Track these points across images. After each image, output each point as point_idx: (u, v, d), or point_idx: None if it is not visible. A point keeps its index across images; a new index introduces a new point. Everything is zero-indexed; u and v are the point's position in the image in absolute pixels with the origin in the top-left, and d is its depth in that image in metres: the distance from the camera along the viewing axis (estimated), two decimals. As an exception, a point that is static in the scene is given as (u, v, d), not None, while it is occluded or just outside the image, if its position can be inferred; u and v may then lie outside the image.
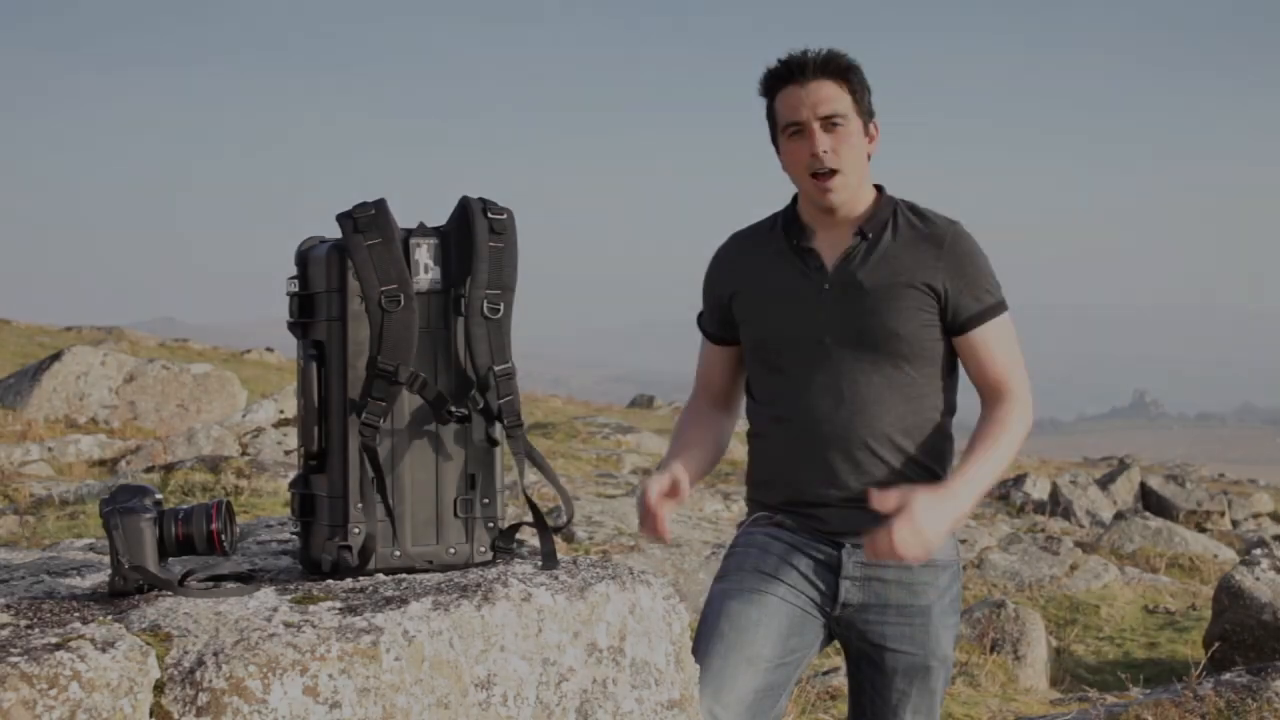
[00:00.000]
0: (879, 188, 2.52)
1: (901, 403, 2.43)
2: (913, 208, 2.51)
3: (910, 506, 2.25)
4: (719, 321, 2.60)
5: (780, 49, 2.47)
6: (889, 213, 2.48)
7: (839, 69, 2.40)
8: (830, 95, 2.39)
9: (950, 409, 2.52)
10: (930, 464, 2.47)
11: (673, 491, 2.46)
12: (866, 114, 2.45)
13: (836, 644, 2.58)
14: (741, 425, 2.67)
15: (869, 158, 2.48)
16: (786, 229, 2.52)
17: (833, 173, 2.40)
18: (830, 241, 2.48)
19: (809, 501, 2.48)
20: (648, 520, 2.44)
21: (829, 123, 2.39)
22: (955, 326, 2.45)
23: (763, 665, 2.38)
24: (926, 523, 2.24)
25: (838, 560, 2.46)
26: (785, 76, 2.42)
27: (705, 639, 2.40)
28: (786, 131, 2.43)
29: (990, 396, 2.46)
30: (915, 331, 2.42)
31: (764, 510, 2.56)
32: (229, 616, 1.76)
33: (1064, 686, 6.42)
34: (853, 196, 2.44)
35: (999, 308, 2.46)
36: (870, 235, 2.45)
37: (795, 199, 2.55)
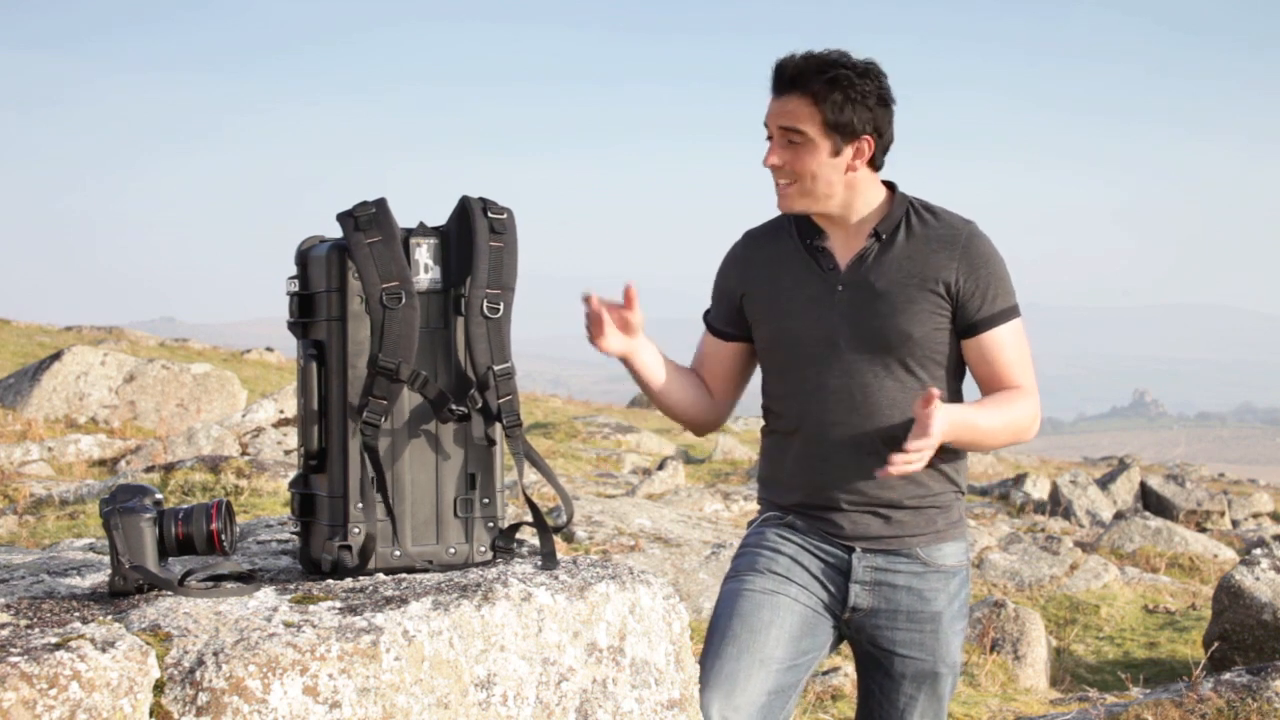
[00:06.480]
0: (891, 186, 2.48)
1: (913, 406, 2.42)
2: (926, 206, 2.47)
3: (924, 434, 2.24)
4: (725, 318, 2.58)
5: (788, 47, 2.44)
6: (902, 212, 2.45)
7: (811, 83, 2.33)
8: (792, 109, 2.35)
9: None
10: (942, 468, 2.45)
11: (624, 315, 2.44)
12: (844, 132, 2.35)
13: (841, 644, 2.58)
14: (754, 423, 2.65)
15: (874, 168, 2.42)
16: (799, 228, 2.51)
17: (788, 183, 2.39)
18: (844, 242, 2.46)
19: (820, 505, 2.47)
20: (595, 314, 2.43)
21: (787, 138, 2.37)
22: (966, 328, 2.42)
23: (774, 667, 2.37)
24: (931, 450, 2.24)
25: (848, 564, 2.45)
26: (771, 83, 2.41)
27: (716, 639, 2.38)
28: (766, 135, 2.43)
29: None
30: (928, 334, 2.40)
31: (775, 509, 2.55)
32: (229, 616, 1.76)
33: (1064, 686, 6.42)
34: (816, 206, 2.41)
35: (1011, 312, 2.43)
36: (884, 236, 2.43)
37: None
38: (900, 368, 2.41)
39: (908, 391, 2.42)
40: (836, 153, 2.37)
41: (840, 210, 2.43)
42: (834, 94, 2.33)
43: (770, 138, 2.41)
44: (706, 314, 2.64)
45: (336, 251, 2.01)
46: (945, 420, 2.26)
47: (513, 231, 2.09)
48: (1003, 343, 2.42)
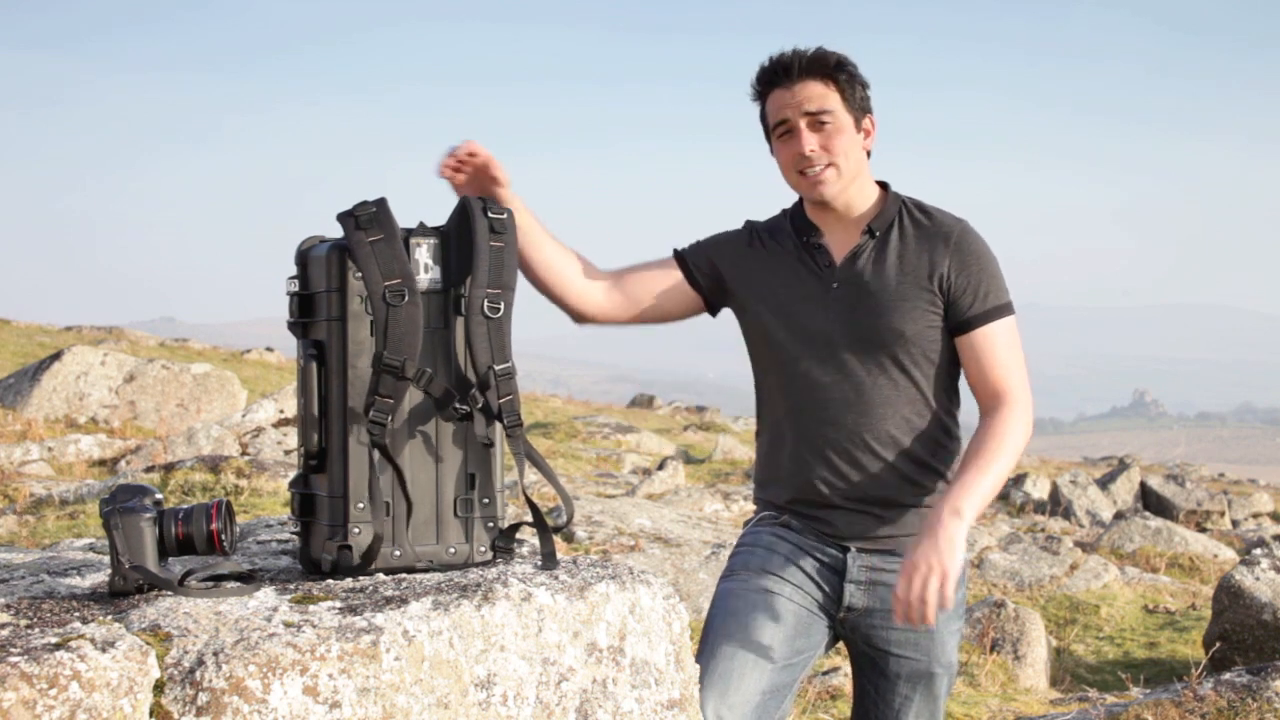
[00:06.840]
0: (884, 185, 2.51)
1: (907, 404, 2.42)
2: (919, 205, 2.49)
3: (907, 571, 2.23)
4: (696, 262, 2.54)
5: (787, 47, 2.47)
6: (895, 210, 2.47)
7: (824, 67, 2.39)
8: (816, 93, 2.39)
9: (955, 410, 2.51)
10: (936, 465, 2.45)
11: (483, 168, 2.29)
12: (858, 110, 2.43)
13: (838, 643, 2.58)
14: (754, 424, 2.65)
15: (868, 154, 2.48)
16: (796, 226, 2.52)
17: (824, 168, 2.40)
18: (839, 239, 2.47)
19: (815, 503, 2.47)
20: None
21: (816, 121, 2.39)
22: (958, 325, 2.42)
23: (769, 666, 2.37)
24: (932, 567, 2.21)
25: (843, 563, 2.45)
26: (772, 79, 2.42)
27: (711, 638, 2.39)
28: (777, 132, 2.44)
29: (989, 401, 2.42)
30: (921, 332, 2.41)
31: (771, 509, 2.55)
32: (229, 616, 1.76)
33: (1064, 686, 6.42)
34: (846, 191, 2.43)
35: (1003, 310, 2.43)
36: (878, 233, 2.44)
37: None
38: (894, 366, 2.42)
39: (901, 390, 2.42)
40: (857, 129, 2.44)
41: (847, 201, 2.45)
42: (842, 74, 2.41)
43: (783, 135, 2.42)
44: (677, 247, 2.59)
45: (337, 251, 2.01)
46: (931, 559, 2.22)
47: (513, 231, 2.09)
48: (995, 340, 2.41)
